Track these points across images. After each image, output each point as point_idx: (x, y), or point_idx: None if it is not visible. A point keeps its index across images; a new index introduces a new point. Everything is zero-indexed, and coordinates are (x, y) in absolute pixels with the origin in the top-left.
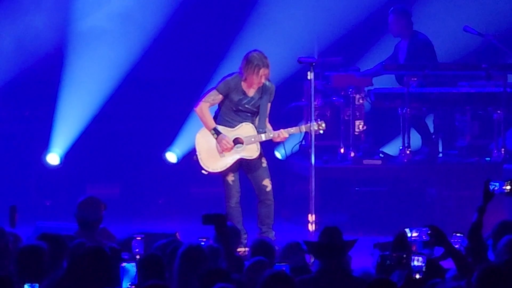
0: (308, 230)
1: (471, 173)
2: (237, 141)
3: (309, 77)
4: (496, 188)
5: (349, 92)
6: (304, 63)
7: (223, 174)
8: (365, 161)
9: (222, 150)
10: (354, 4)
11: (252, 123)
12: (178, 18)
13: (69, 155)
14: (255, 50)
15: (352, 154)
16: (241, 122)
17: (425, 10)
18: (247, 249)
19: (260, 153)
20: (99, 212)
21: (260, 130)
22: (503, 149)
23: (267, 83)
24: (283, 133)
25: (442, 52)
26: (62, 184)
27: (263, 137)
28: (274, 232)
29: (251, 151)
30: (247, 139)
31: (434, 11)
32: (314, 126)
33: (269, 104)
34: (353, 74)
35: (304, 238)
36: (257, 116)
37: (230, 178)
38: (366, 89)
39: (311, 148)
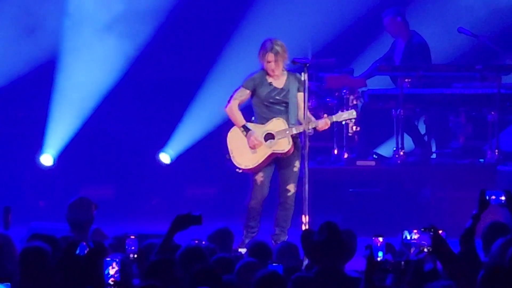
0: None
1: (465, 174)
2: (268, 137)
3: (303, 78)
4: (492, 198)
5: (343, 93)
6: (298, 64)
7: (253, 172)
8: (359, 162)
9: (250, 146)
10: (347, 5)
11: (286, 117)
12: (171, 20)
13: (63, 156)
14: (270, 38)
15: (346, 155)
16: (273, 118)
17: (419, 11)
18: (244, 249)
19: (294, 154)
20: (90, 212)
21: (291, 123)
22: (497, 151)
23: (292, 75)
24: (327, 121)
25: (436, 53)
26: (56, 185)
27: (294, 130)
28: (287, 236)
29: (283, 145)
30: (278, 133)
31: (428, 12)
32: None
33: (300, 94)
34: (347, 75)
35: (297, 239)
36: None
37: (259, 178)
38: (359, 90)
39: (304, 149)
